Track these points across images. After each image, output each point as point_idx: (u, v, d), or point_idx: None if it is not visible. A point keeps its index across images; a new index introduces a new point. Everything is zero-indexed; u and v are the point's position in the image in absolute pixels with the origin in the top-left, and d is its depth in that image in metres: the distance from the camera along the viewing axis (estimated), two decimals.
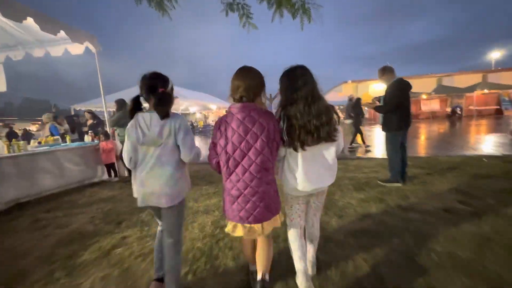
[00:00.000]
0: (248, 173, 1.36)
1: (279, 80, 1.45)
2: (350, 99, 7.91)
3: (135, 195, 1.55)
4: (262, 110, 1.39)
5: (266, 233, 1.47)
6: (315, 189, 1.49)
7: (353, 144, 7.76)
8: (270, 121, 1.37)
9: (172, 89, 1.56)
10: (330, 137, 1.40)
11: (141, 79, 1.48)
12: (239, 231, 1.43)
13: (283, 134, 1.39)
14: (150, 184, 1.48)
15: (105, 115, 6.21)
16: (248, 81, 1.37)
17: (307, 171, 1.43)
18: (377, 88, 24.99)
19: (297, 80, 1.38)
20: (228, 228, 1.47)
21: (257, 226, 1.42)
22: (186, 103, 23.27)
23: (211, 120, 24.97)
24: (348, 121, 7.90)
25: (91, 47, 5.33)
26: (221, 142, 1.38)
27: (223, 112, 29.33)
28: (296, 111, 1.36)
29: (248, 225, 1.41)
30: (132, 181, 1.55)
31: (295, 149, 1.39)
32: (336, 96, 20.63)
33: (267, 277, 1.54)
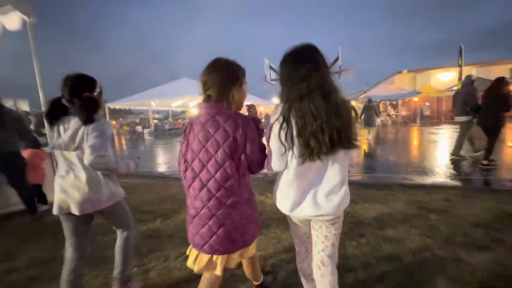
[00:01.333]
0: (205, 189, 1.12)
1: (279, 66, 1.08)
2: (470, 81, 4.95)
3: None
4: (232, 113, 1.12)
5: (219, 270, 1.17)
6: (315, 215, 1.10)
7: (475, 154, 5.25)
8: (238, 128, 1.08)
9: (100, 93, 1.43)
10: (350, 143, 1.01)
11: (63, 80, 1.35)
12: (190, 260, 1.23)
13: (284, 139, 1.02)
14: (71, 190, 1.36)
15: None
16: (217, 76, 1.12)
17: (302, 189, 1.08)
18: (443, 78, 20.69)
19: (303, 65, 1.00)
20: (188, 252, 1.28)
21: (211, 258, 1.17)
22: None
23: None
24: (465, 119, 5.03)
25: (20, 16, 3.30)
26: (183, 147, 1.20)
27: (265, 111, 28.92)
28: (304, 109, 0.99)
29: (202, 254, 1.18)
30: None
31: (304, 160, 1.02)
32: (386, 89, 17.44)
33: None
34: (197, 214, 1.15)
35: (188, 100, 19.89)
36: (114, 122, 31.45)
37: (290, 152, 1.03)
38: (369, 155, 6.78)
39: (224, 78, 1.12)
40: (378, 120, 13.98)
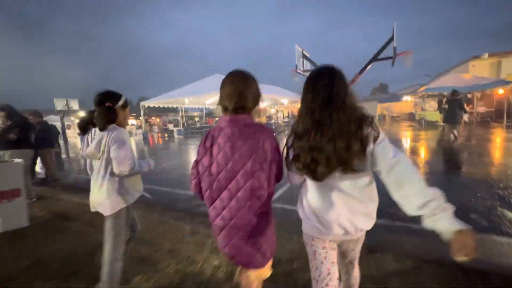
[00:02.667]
0: (235, 200, 1.11)
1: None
2: None
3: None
4: (258, 125, 1.15)
5: (249, 283, 1.20)
6: (335, 235, 1.05)
7: None
8: (267, 139, 1.12)
9: (123, 106, 1.57)
10: (349, 168, 0.94)
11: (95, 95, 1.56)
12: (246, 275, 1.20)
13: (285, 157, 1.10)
14: (94, 193, 1.57)
15: None
16: (243, 88, 1.13)
17: (320, 208, 1.05)
18: None
19: (314, 85, 1.00)
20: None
21: (246, 270, 1.18)
22: None
23: (281, 117, 22.43)
24: None
25: None
26: (205, 160, 1.17)
27: (296, 107, 26.72)
28: (304, 126, 0.99)
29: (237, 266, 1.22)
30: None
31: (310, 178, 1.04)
32: (458, 79, 13.63)
33: None
34: (225, 225, 1.14)
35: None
36: (158, 120, 32.89)
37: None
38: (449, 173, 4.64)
39: (254, 91, 1.17)
40: (465, 117, 10.91)
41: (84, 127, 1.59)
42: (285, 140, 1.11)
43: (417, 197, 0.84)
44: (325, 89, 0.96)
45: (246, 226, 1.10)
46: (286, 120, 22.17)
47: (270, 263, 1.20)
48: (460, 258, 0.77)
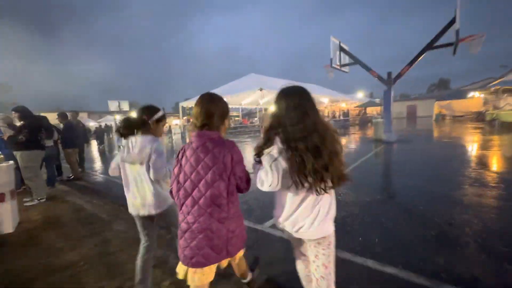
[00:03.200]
0: (197, 206, 1.25)
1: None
2: None
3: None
4: (221, 140, 1.29)
5: (206, 280, 1.31)
6: (296, 232, 1.25)
7: None
8: (227, 153, 1.25)
9: (158, 120, 1.75)
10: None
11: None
12: (180, 272, 1.31)
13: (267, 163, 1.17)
14: (138, 196, 1.68)
15: None
16: (208, 109, 1.30)
17: (293, 209, 1.24)
18: None
19: (291, 102, 1.16)
20: (178, 269, 1.35)
21: (200, 272, 1.27)
22: None
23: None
24: None
25: None
26: (175, 170, 1.33)
27: (338, 107, 25.18)
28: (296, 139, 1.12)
29: (190, 268, 1.28)
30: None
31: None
32: None
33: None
34: (188, 228, 1.26)
35: (258, 96, 19.17)
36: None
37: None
38: None
39: (221, 111, 1.33)
40: None
41: (121, 133, 1.67)
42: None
43: None
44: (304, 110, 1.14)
45: (206, 230, 1.23)
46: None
47: (236, 256, 1.36)
48: None
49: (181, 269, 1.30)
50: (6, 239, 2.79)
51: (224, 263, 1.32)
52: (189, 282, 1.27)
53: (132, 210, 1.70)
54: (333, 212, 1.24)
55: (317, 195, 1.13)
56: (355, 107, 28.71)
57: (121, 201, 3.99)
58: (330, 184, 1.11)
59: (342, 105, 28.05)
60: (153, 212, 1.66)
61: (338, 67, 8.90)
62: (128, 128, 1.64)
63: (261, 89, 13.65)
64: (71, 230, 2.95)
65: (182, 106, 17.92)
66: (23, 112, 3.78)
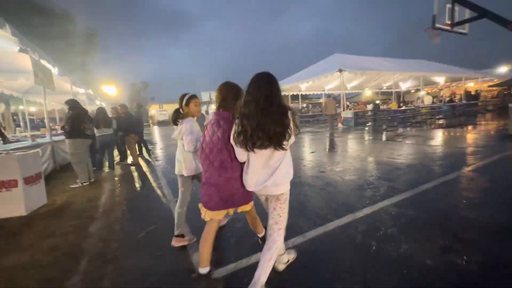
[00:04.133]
0: (211, 166, 1.65)
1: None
2: None
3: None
4: (229, 117, 1.63)
5: (216, 220, 1.76)
6: (266, 189, 1.55)
7: None
8: (231, 126, 1.56)
9: (186, 103, 2.20)
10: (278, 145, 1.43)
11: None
12: (202, 210, 1.74)
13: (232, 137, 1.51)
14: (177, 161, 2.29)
15: None
16: (224, 94, 1.68)
17: (255, 170, 1.54)
18: None
19: (250, 84, 1.48)
20: (200, 207, 1.78)
21: (213, 212, 1.69)
22: (395, 76, 16.66)
23: (428, 101, 15.88)
24: None
25: None
26: (202, 139, 1.74)
27: (463, 88, 18.37)
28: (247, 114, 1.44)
29: (207, 210, 1.70)
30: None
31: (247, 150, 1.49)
32: None
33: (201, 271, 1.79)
34: (206, 182, 1.69)
35: (346, 80, 16.73)
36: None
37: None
38: None
39: (231, 96, 1.68)
40: None
41: (174, 121, 2.23)
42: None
43: None
44: (265, 89, 1.43)
45: (216, 185, 1.64)
46: (435, 104, 15.67)
47: (242, 207, 1.73)
48: None
49: (202, 209, 1.73)
50: (4, 223, 2.93)
51: (231, 210, 1.71)
52: (206, 218, 1.71)
53: (176, 170, 2.27)
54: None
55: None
56: (489, 86, 20.36)
57: (151, 192, 4.02)
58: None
59: (470, 84, 20.66)
60: (184, 174, 2.20)
61: (448, 27, 6.07)
62: (173, 118, 2.21)
63: (340, 71, 11.64)
64: (63, 221, 2.95)
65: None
66: (71, 104, 4.27)
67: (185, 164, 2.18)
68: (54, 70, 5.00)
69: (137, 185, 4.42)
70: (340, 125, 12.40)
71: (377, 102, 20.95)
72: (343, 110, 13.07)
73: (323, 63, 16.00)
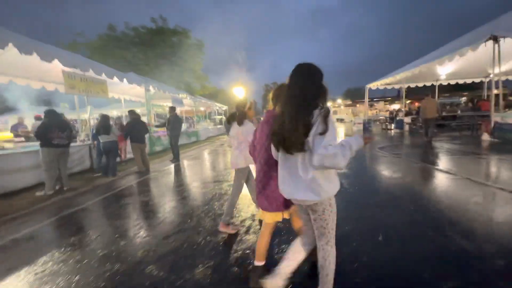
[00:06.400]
0: (260, 165, 1.71)
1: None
2: None
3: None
4: (271, 117, 1.62)
5: (266, 222, 1.75)
6: (294, 198, 1.42)
7: None
8: (270, 126, 1.54)
9: (248, 108, 2.56)
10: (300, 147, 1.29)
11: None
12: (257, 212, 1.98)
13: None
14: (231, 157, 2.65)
15: None
16: (277, 92, 1.66)
17: (283, 176, 1.43)
18: None
19: (289, 78, 1.37)
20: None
21: (268, 214, 1.70)
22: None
23: None
24: None
25: None
26: (253, 139, 1.86)
27: None
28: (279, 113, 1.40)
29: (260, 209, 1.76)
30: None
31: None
32: None
33: (256, 264, 1.81)
34: (256, 179, 1.75)
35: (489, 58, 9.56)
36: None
37: None
38: None
39: (282, 93, 1.53)
40: None
41: (229, 121, 2.58)
42: None
43: None
44: (299, 83, 1.33)
45: (262, 183, 1.68)
46: None
47: (280, 213, 1.70)
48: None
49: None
50: None
51: (284, 214, 1.72)
52: (257, 216, 2.16)
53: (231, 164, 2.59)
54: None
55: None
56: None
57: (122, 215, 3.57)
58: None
59: None
60: (235, 167, 2.54)
61: None
62: (240, 119, 2.49)
63: (495, 38, 6.31)
64: None
65: (369, 88, 13.90)
66: (45, 114, 4.42)
67: (231, 158, 2.59)
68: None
69: (107, 201, 4.12)
70: (486, 137, 6.97)
71: None
72: (493, 110, 7.13)
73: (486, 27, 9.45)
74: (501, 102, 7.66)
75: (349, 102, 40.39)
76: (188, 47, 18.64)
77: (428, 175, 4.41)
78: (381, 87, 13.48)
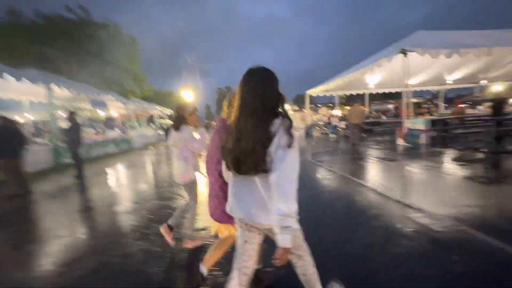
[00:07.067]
0: (214, 177, 1.60)
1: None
2: None
3: None
4: (222, 123, 1.57)
5: (227, 235, 1.64)
6: (244, 218, 1.21)
7: None
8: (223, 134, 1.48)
9: (191, 113, 2.42)
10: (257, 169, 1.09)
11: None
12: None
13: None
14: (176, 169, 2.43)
15: None
16: (232, 99, 1.54)
17: (236, 195, 1.23)
18: None
19: (239, 84, 1.16)
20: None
21: (219, 225, 1.63)
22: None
23: None
24: None
25: None
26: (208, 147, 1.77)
27: None
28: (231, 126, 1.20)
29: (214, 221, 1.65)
30: None
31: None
32: None
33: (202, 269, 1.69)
34: (210, 192, 1.65)
35: (444, 70, 10.97)
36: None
37: None
38: None
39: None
40: None
41: (178, 126, 2.28)
42: None
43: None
44: (255, 89, 1.13)
45: (217, 197, 1.57)
46: None
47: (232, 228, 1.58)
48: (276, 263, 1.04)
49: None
50: None
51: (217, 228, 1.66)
52: (213, 230, 1.73)
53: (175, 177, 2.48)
54: None
55: None
56: None
57: None
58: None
59: None
60: (176, 180, 2.41)
61: None
62: (178, 123, 2.32)
63: (403, 52, 6.98)
64: None
65: (309, 95, 14.42)
66: None
67: (177, 171, 2.34)
68: None
69: None
70: (401, 142, 7.61)
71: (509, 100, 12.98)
72: (406, 117, 7.87)
73: (406, 41, 10.47)
74: (404, 110, 8.40)
75: (296, 108, 42.34)
76: (120, 44, 16.66)
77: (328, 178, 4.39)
78: (321, 94, 14.09)
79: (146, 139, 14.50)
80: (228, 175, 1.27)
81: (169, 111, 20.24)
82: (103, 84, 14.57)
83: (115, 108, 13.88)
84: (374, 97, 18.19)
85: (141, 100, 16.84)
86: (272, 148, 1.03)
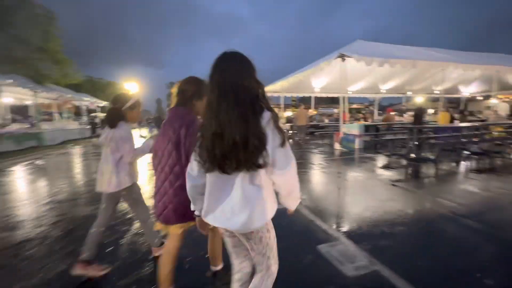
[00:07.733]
0: (164, 174, 1.44)
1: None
2: None
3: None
4: (181, 114, 1.43)
5: (175, 233, 1.51)
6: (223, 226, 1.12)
7: None
8: (183, 124, 1.37)
9: (131, 107, 2.01)
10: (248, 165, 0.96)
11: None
12: (157, 226, 1.58)
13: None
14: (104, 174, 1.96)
15: None
16: (182, 87, 1.47)
17: (211, 198, 1.07)
18: None
19: (213, 71, 0.98)
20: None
21: (163, 227, 1.51)
22: (449, 70, 11.26)
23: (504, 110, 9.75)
24: None
25: None
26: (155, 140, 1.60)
27: None
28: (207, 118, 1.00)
29: (159, 222, 1.52)
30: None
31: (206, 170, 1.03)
32: None
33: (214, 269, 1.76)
34: (157, 192, 1.49)
35: (378, 80, 11.75)
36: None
37: None
38: None
39: (192, 89, 1.46)
40: None
41: (113, 122, 1.87)
42: None
43: None
44: (232, 71, 1.02)
45: (167, 195, 1.44)
46: None
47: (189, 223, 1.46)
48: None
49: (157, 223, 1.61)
50: None
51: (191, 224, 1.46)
52: (162, 232, 1.60)
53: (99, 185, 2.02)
54: None
55: None
56: None
57: None
58: None
59: None
60: (99, 189, 1.95)
61: None
62: (112, 119, 1.93)
63: (342, 57, 7.10)
64: None
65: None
66: None
67: (104, 176, 1.89)
68: None
69: None
70: (337, 146, 7.73)
71: (430, 110, 14.88)
72: (343, 121, 8.06)
73: (345, 49, 10.87)
74: (342, 115, 8.61)
75: None
76: (29, 16, 13.52)
77: None
78: (269, 95, 13.90)
79: (65, 134, 12.17)
80: (197, 174, 1.10)
81: (104, 103, 17.63)
82: (7, 64, 11.62)
83: (16, 95, 11.25)
84: (324, 101, 19.01)
85: (63, 88, 14.15)
86: (269, 146, 0.93)
